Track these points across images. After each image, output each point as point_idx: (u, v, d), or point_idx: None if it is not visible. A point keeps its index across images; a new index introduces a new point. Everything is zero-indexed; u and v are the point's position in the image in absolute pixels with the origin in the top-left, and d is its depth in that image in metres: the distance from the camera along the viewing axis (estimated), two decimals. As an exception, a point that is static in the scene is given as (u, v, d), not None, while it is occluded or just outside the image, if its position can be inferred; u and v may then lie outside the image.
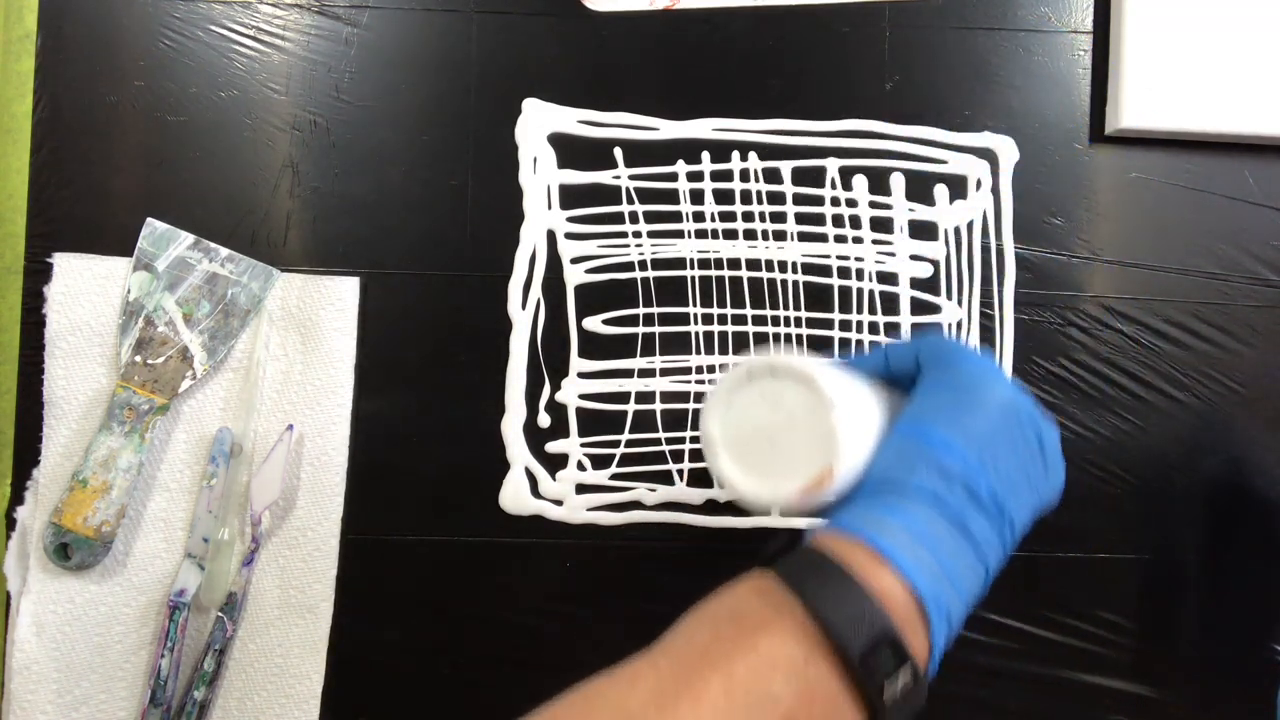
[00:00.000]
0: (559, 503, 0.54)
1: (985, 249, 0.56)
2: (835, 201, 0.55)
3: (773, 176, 0.55)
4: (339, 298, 0.53)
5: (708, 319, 0.55)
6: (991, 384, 0.35)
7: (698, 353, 0.55)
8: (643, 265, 0.54)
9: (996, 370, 0.36)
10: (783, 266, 0.55)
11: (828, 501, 0.34)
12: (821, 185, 0.55)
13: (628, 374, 0.54)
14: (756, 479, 0.35)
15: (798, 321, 0.55)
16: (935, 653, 0.32)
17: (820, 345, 0.55)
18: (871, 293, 0.55)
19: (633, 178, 0.55)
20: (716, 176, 0.55)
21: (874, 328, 0.55)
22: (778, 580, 0.31)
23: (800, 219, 0.55)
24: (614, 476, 0.54)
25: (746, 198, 0.55)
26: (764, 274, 0.55)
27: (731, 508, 0.54)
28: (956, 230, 0.56)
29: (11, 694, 0.51)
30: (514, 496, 0.54)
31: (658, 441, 0.54)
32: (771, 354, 0.35)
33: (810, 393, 0.34)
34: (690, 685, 0.28)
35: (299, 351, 0.53)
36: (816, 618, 0.29)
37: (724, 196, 0.55)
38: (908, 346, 0.38)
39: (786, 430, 0.34)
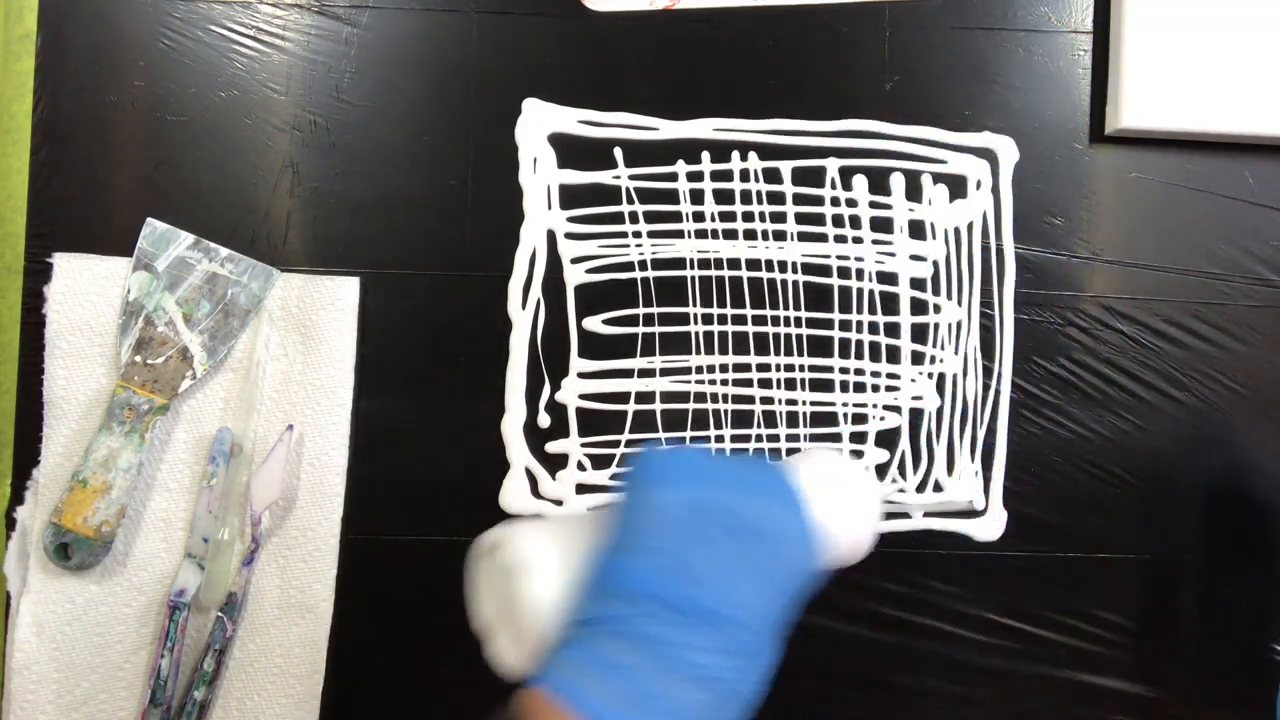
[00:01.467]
0: (559, 503, 0.54)
1: (985, 249, 0.56)
2: (835, 201, 0.55)
3: (773, 176, 0.55)
4: (339, 298, 0.53)
5: (708, 319, 0.55)
6: (669, 488, 0.34)
7: (698, 353, 0.55)
8: (643, 265, 0.54)
9: (686, 467, 0.35)
10: (783, 266, 0.55)
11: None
12: (821, 185, 0.55)
13: (628, 374, 0.54)
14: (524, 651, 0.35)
15: (798, 321, 0.55)
16: None
17: (820, 345, 0.55)
18: (871, 293, 0.55)
19: (633, 178, 0.55)
20: (716, 176, 0.55)
21: (874, 327, 0.55)
22: None
23: (800, 219, 0.55)
24: (614, 476, 0.54)
25: (746, 198, 0.55)
26: (764, 274, 0.55)
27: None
28: (956, 230, 0.56)
29: (11, 694, 0.51)
30: (514, 496, 0.54)
31: (657, 442, 0.54)
32: (499, 529, 0.35)
33: (505, 566, 0.35)
34: None
35: (299, 351, 0.53)
36: None
37: (724, 196, 0.55)
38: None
39: (514, 601, 0.35)
